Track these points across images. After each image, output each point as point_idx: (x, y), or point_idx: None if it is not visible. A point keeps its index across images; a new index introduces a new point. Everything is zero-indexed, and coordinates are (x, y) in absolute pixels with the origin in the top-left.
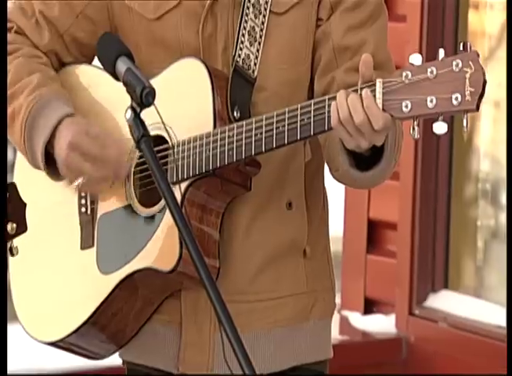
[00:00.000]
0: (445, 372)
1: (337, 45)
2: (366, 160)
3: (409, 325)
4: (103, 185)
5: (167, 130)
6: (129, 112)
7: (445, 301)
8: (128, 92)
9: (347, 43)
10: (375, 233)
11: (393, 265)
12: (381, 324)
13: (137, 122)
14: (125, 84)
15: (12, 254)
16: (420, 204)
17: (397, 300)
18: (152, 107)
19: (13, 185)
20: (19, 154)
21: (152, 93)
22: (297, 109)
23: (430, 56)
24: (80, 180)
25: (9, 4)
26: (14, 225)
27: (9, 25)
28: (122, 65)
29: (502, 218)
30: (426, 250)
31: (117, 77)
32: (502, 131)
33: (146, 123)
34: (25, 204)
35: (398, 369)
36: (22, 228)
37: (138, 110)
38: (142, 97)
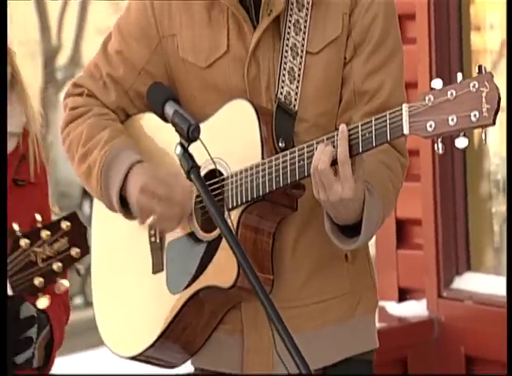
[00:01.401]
0: (474, 345)
1: (357, 89)
2: (349, 229)
3: (439, 307)
4: (172, 222)
5: (214, 162)
6: (178, 148)
7: (469, 282)
8: (177, 130)
9: (366, 88)
10: (403, 230)
11: (421, 256)
12: (414, 309)
13: (186, 156)
14: (173, 124)
15: (79, 275)
16: (441, 201)
17: (427, 286)
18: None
19: (74, 214)
20: None
21: (197, 129)
22: (333, 136)
23: (439, 72)
24: (151, 219)
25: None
26: (78, 250)
27: (80, 90)
28: (170, 108)
29: None
30: (448, 239)
31: (166, 119)
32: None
33: (203, 160)
34: (86, 229)
35: (432, 346)
36: (84, 252)
37: (186, 145)
38: (189, 133)
